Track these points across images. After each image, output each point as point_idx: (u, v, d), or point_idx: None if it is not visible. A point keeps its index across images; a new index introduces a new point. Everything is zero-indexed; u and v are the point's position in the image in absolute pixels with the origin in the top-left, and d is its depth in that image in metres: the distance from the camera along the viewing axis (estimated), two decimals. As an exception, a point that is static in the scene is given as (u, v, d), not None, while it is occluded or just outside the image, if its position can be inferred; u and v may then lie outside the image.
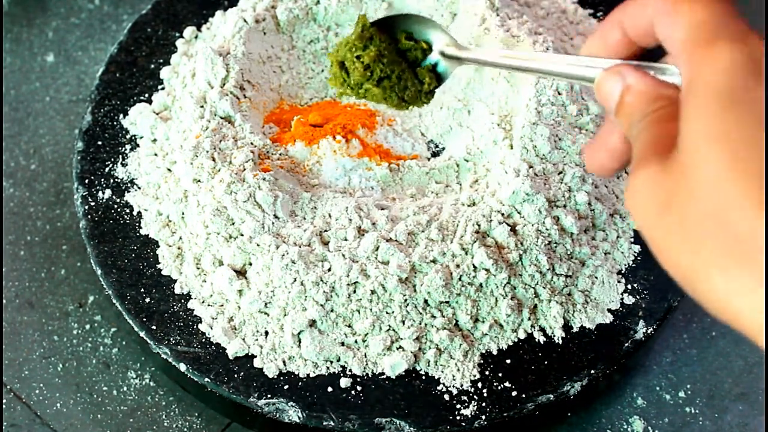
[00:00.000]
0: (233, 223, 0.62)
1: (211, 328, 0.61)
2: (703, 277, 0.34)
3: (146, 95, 0.72)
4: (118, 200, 0.67)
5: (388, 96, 0.55)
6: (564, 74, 0.45)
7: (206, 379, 0.60)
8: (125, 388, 0.65)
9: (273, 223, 0.62)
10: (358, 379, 0.60)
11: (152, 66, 0.74)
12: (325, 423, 0.58)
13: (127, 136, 0.71)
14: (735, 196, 0.32)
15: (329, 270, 0.60)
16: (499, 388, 0.60)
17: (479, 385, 0.60)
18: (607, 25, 0.42)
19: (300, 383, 0.59)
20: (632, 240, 0.65)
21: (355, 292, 0.60)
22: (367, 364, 0.60)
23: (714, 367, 0.66)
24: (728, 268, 0.33)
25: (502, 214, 0.62)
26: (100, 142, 0.70)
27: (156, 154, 0.69)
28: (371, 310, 0.60)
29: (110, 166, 0.69)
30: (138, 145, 0.70)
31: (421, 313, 0.60)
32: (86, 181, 0.68)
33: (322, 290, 0.60)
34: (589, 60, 0.43)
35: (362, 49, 0.55)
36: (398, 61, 0.55)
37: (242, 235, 0.62)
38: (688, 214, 0.34)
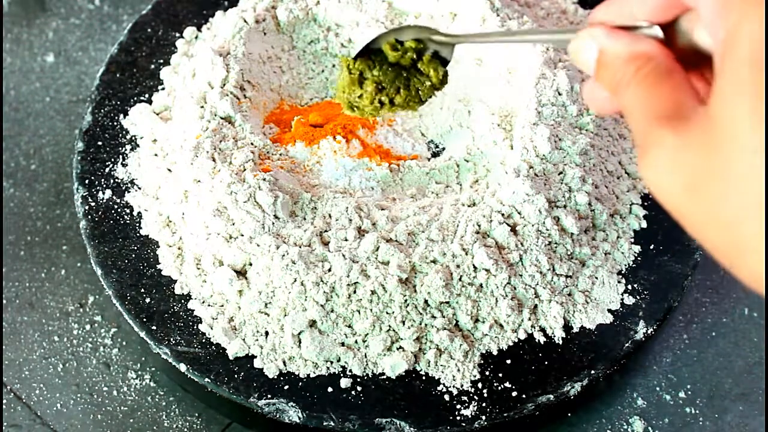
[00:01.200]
0: (233, 224, 0.62)
1: (212, 329, 0.61)
2: (744, 252, 0.32)
3: (146, 95, 0.72)
4: (118, 200, 0.67)
5: (405, 105, 0.56)
6: (544, 39, 0.43)
7: (206, 380, 0.60)
8: (125, 389, 0.65)
9: (273, 223, 0.62)
10: (358, 380, 0.60)
11: (152, 66, 0.74)
12: (325, 423, 0.58)
13: (127, 137, 0.71)
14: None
15: (329, 270, 0.60)
16: (499, 388, 0.60)
17: (479, 385, 0.60)
18: None
19: (300, 383, 0.60)
20: (632, 240, 0.65)
21: (355, 292, 0.60)
22: (367, 365, 0.60)
23: (714, 367, 0.66)
24: (760, 271, 0.31)
25: (503, 215, 0.62)
26: (100, 143, 0.70)
27: (156, 155, 0.69)
28: (371, 310, 0.60)
29: (110, 166, 0.69)
30: (138, 146, 0.70)
31: (421, 314, 0.60)
32: (86, 181, 0.68)
33: (323, 290, 0.60)
34: (571, 27, 0.41)
35: (360, 88, 0.55)
36: (397, 74, 0.55)
37: (242, 235, 0.62)
38: (724, 192, 0.31)
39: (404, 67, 0.55)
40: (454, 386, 0.60)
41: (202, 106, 0.68)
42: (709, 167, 0.32)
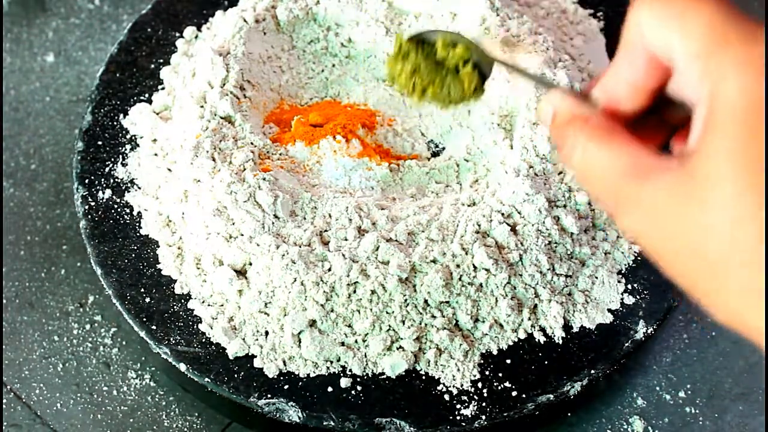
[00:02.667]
0: (233, 223, 0.62)
1: (211, 328, 0.61)
2: (718, 302, 0.33)
3: (146, 95, 0.72)
4: (118, 200, 0.67)
5: (436, 99, 0.59)
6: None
7: (206, 379, 0.60)
8: (125, 388, 0.65)
9: (273, 223, 0.62)
10: (358, 379, 0.60)
11: (152, 66, 0.74)
12: (325, 423, 0.58)
13: (127, 136, 0.71)
14: (751, 232, 0.32)
15: (329, 270, 0.60)
16: (499, 388, 0.60)
17: (479, 385, 0.60)
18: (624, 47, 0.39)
19: (300, 383, 0.59)
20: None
21: (355, 292, 0.60)
22: (367, 364, 0.60)
23: (714, 367, 0.66)
24: (743, 305, 0.33)
25: (503, 214, 0.62)
26: (100, 142, 0.70)
27: (156, 154, 0.69)
28: (371, 310, 0.60)
29: (110, 166, 0.69)
30: (138, 145, 0.70)
31: (421, 313, 0.60)
32: (86, 181, 0.68)
33: (322, 290, 0.60)
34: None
35: (401, 65, 0.58)
36: (437, 69, 0.58)
37: (242, 235, 0.62)
38: (706, 240, 0.33)
39: (447, 67, 0.58)
40: (454, 386, 0.60)
41: (202, 106, 0.68)
42: (690, 213, 0.33)
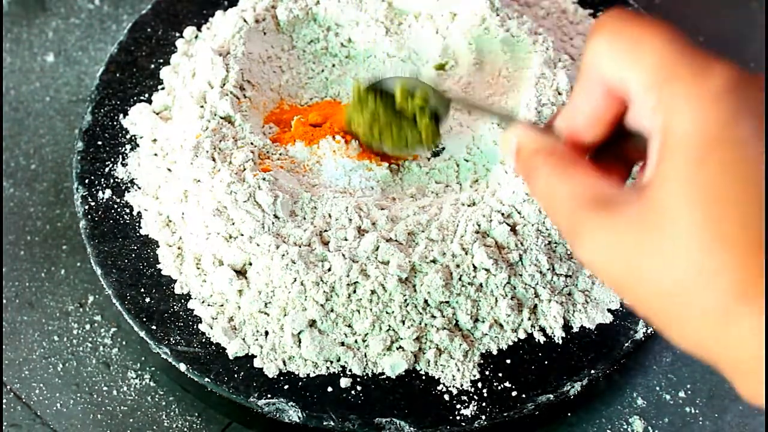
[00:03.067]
0: (233, 223, 0.62)
1: (211, 328, 0.61)
2: (686, 321, 0.34)
3: (146, 95, 0.72)
4: (118, 200, 0.67)
5: (393, 147, 0.63)
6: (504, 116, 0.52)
7: (206, 379, 0.60)
8: (125, 388, 0.65)
9: (273, 223, 0.62)
10: (358, 379, 0.60)
11: (152, 66, 0.74)
12: (325, 423, 0.58)
13: (127, 136, 0.71)
14: (708, 262, 0.32)
15: (329, 270, 0.60)
16: (499, 388, 0.60)
17: (479, 385, 0.60)
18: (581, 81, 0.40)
19: (300, 383, 0.59)
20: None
21: (355, 292, 0.60)
22: (367, 364, 0.60)
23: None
24: (704, 334, 0.33)
25: (503, 214, 0.62)
26: (100, 142, 0.70)
27: (156, 154, 0.69)
28: (371, 310, 0.60)
29: (110, 166, 0.69)
30: (138, 145, 0.70)
31: (421, 313, 0.60)
32: (86, 181, 0.68)
33: (322, 290, 0.60)
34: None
35: (359, 113, 0.63)
36: (395, 117, 0.62)
37: (242, 235, 0.62)
38: (664, 268, 0.33)
39: (405, 117, 0.62)
40: (454, 386, 0.60)
41: (201, 106, 0.68)
42: (647, 245, 0.34)
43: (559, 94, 0.67)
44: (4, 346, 0.66)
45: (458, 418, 0.58)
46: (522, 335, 0.61)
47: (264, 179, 0.63)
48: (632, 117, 0.39)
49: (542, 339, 0.62)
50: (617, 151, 0.41)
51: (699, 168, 0.32)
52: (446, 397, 0.59)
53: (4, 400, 0.64)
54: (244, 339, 0.61)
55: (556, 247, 0.62)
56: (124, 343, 0.67)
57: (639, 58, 0.35)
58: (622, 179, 0.42)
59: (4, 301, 0.69)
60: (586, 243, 0.36)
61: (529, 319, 0.61)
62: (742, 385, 0.33)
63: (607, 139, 0.40)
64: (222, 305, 0.62)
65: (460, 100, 0.60)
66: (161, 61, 0.74)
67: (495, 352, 0.61)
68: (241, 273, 0.62)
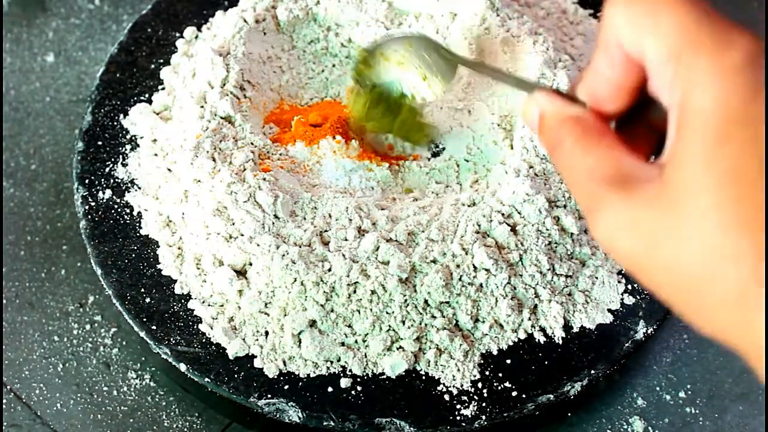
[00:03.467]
0: (233, 223, 0.62)
1: (212, 328, 0.61)
2: (699, 316, 0.33)
3: (146, 95, 0.72)
4: (118, 200, 0.67)
5: (379, 124, 0.67)
6: (518, 85, 0.49)
7: (206, 379, 0.60)
8: (125, 388, 0.65)
9: (273, 223, 0.62)
10: (358, 379, 0.60)
11: (152, 66, 0.74)
12: (325, 423, 0.58)
13: (127, 136, 0.71)
14: (728, 245, 0.31)
15: (329, 270, 0.60)
16: (499, 388, 0.60)
17: (479, 385, 0.60)
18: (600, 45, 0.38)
19: (300, 383, 0.59)
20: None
21: (355, 292, 0.60)
22: (367, 364, 0.60)
23: (714, 367, 0.66)
24: (725, 319, 0.32)
25: (503, 214, 0.62)
26: (100, 142, 0.70)
27: (156, 154, 0.69)
28: (371, 310, 0.60)
29: (110, 166, 0.69)
30: (138, 145, 0.70)
31: (421, 313, 0.60)
32: (86, 181, 0.68)
33: (322, 290, 0.60)
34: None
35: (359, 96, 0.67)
36: (394, 107, 0.66)
37: (242, 235, 0.62)
38: (682, 250, 0.32)
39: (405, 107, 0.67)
40: (454, 386, 0.60)
41: (202, 106, 0.68)
42: (666, 226, 0.33)
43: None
44: (4, 346, 0.66)
45: (458, 418, 0.58)
46: (522, 335, 0.61)
47: (264, 179, 0.63)
48: (652, 87, 0.37)
49: (542, 339, 0.62)
50: (642, 119, 0.39)
51: (718, 147, 0.31)
52: (446, 397, 0.59)
53: (4, 400, 0.64)
54: (244, 339, 0.61)
55: (556, 247, 0.62)
56: (124, 343, 0.67)
57: (656, 25, 0.34)
58: (648, 149, 0.40)
59: (4, 301, 0.69)
60: (603, 221, 0.35)
61: (530, 319, 0.61)
62: (763, 372, 0.32)
63: (630, 106, 0.39)
64: (222, 305, 0.62)
65: (472, 62, 0.57)
66: (161, 61, 0.74)
67: (495, 352, 0.61)
68: (241, 273, 0.62)
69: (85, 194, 0.67)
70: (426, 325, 0.60)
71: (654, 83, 0.36)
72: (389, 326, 0.60)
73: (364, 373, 0.60)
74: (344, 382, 0.59)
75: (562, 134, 0.38)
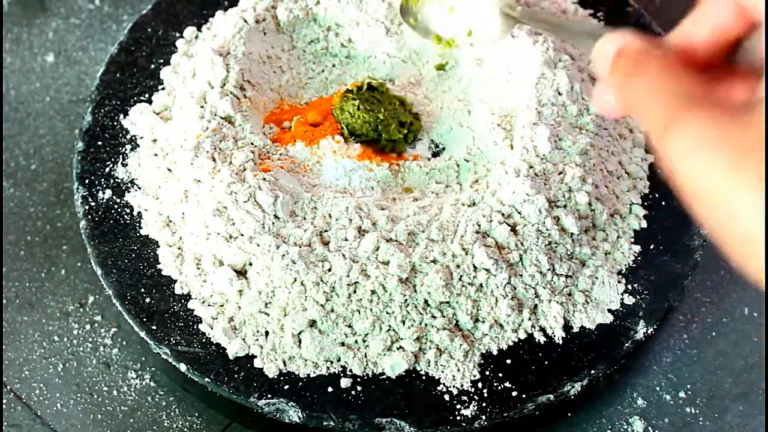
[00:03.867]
0: (233, 223, 0.62)
1: (212, 328, 0.61)
2: (746, 254, 0.31)
3: (146, 95, 0.72)
4: (118, 200, 0.67)
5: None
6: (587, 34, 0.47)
7: (206, 379, 0.60)
8: (125, 388, 0.65)
9: (273, 223, 0.62)
10: (359, 379, 0.60)
11: (152, 66, 0.74)
12: (325, 423, 0.58)
13: (128, 136, 0.71)
14: None
15: (329, 270, 0.60)
16: (500, 388, 0.60)
17: (479, 385, 0.60)
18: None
19: (300, 383, 0.59)
20: (632, 240, 0.65)
21: (355, 292, 0.60)
22: (367, 364, 0.60)
23: (714, 367, 0.66)
24: None
25: (503, 214, 0.62)
26: (100, 142, 0.70)
27: (156, 154, 0.69)
28: (371, 310, 0.60)
29: (110, 166, 0.69)
30: (138, 145, 0.70)
31: (421, 313, 0.60)
32: (86, 181, 0.68)
33: (323, 290, 0.60)
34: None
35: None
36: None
37: (242, 235, 0.62)
38: (746, 213, 0.31)
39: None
40: (454, 386, 0.60)
41: (202, 106, 0.68)
42: (737, 164, 0.31)
43: (559, 94, 0.67)
44: (4, 346, 0.66)
45: (458, 418, 0.58)
46: (522, 335, 0.61)
47: (264, 179, 0.63)
48: (759, 41, 0.36)
49: (542, 339, 0.62)
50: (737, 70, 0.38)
51: None
52: (446, 397, 0.59)
53: (4, 400, 0.64)
54: (244, 339, 0.61)
55: (556, 247, 0.62)
56: (124, 343, 0.67)
57: None
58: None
59: (4, 301, 0.69)
60: (685, 134, 0.33)
61: (530, 319, 0.61)
62: None
63: (720, 58, 0.37)
64: (222, 305, 0.62)
65: (532, 15, 0.56)
66: (161, 61, 0.74)
67: (495, 352, 0.61)
68: (241, 273, 0.62)
69: (85, 194, 0.67)
70: (426, 325, 0.60)
71: (759, 39, 0.36)
72: (389, 326, 0.60)
73: (364, 373, 0.60)
74: (344, 382, 0.59)
75: (644, 62, 0.37)
